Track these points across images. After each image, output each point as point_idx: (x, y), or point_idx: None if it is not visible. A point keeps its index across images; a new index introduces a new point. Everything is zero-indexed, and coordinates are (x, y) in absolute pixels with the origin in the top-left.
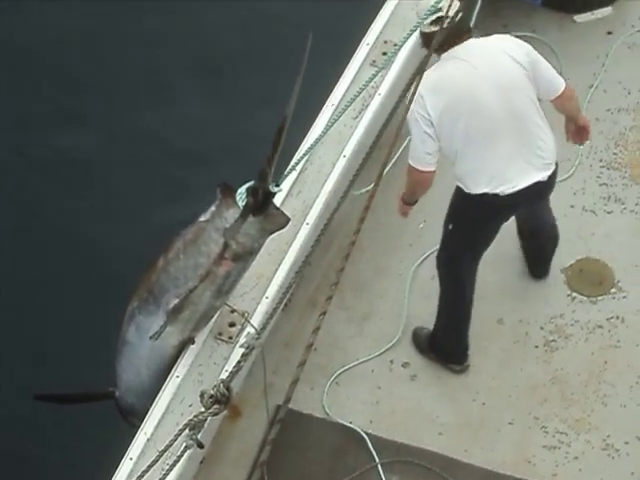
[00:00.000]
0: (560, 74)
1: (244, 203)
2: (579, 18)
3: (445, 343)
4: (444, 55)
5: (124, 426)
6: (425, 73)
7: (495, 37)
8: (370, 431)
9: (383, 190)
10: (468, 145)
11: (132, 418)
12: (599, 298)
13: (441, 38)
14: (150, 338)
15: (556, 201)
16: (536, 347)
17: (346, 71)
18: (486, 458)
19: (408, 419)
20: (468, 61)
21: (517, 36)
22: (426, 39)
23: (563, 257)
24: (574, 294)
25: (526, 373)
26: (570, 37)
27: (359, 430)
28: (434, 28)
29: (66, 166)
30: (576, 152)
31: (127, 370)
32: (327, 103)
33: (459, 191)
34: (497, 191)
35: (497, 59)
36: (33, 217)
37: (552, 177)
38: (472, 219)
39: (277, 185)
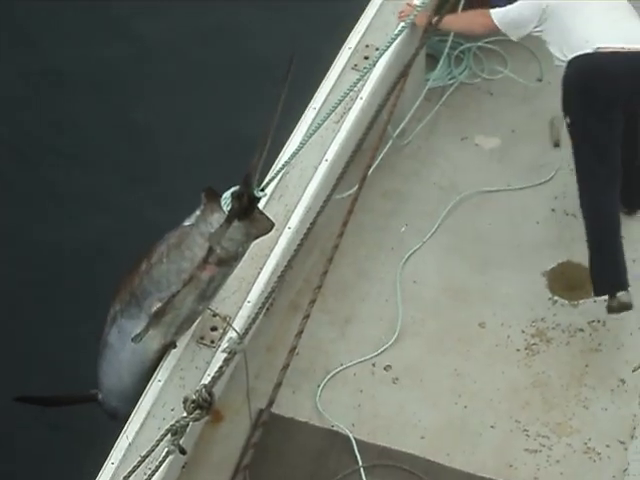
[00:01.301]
0: (541, 79)
1: (229, 208)
2: None
3: (604, 273)
4: None
5: (106, 430)
6: None
7: None
8: (352, 435)
9: (365, 194)
10: None
11: (116, 421)
12: (580, 302)
13: None
14: (132, 340)
15: (537, 205)
16: (517, 350)
17: (328, 75)
18: (468, 462)
19: (390, 423)
20: None
21: (498, 40)
22: None
23: (544, 261)
24: (555, 298)
25: (508, 377)
26: None
27: (346, 431)
28: None
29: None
30: (557, 156)
31: (109, 373)
32: (309, 107)
33: (567, 74)
34: None
35: None
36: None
37: None
38: (588, 109)
39: (262, 190)
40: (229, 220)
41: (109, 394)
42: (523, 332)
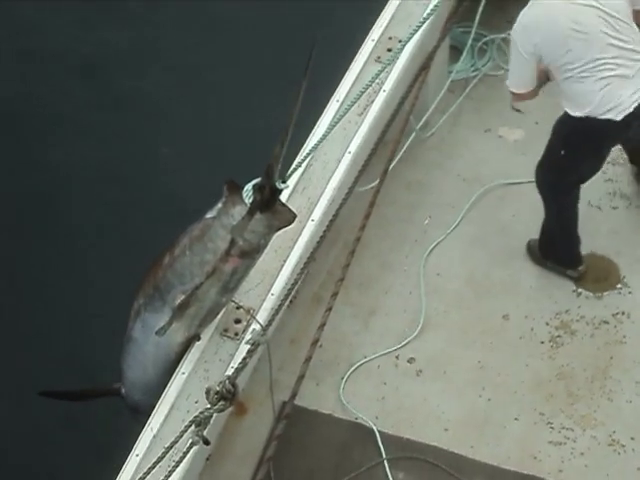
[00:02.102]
0: None
1: (251, 200)
2: None
3: (559, 251)
4: None
5: (130, 422)
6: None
7: None
8: (376, 427)
9: (388, 186)
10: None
11: (138, 415)
12: (605, 294)
13: None
14: (155, 334)
15: None
16: (542, 343)
17: (351, 67)
18: (492, 454)
19: (414, 415)
20: None
21: None
22: None
23: None
24: (580, 290)
25: (532, 369)
26: None
27: (370, 423)
28: None
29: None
30: None
31: (133, 367)
32: (332, 99)
33: (573, 118)
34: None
35: None
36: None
37: None
38: (587, 148)
39: (284, 182)
40: (251, 212)
41: (132, 387)
42: (547, 324)
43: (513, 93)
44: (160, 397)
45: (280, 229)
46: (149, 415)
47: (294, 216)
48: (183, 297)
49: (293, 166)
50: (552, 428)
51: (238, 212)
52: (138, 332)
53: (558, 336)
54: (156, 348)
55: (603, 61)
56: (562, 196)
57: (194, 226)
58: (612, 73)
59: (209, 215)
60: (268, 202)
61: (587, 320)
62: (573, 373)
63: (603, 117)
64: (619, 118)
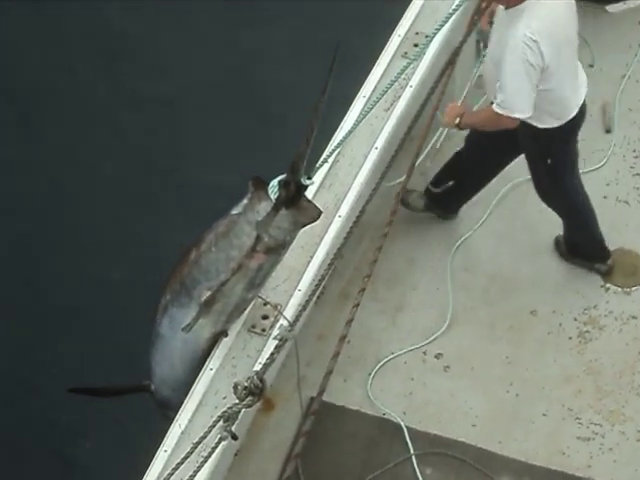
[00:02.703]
0: (592, 65)
1: (276, 196)
2: (611, 8)
3: (586, 247)
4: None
5: (158, 419)
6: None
7: None
8: (404, 423)
9: (415, 182)
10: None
11: (168, 411)
12: (633, 289)
13: None
14: (182, 330)
15: (589, 192)
16: (570, 338)
17: (378, 63)
18: (520, 449)
19: (441, 410)
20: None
21: None
22: None
23: None
24: (608, 285)
25: (560, 364)
26: (602, 27)
27: (398, 419)
28: None
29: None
30: (609, 142)
31: (161, 363)
32: (359, 95)
33: (549, 129)
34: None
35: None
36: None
37: None
38: (567, 145)
39: (309, 178)
40: (276, 208)
41: (161, 384)
42: (575, 320)
43: (496, 116)
44: (188, 393)
45: (305, 225)
46: (178, 411)
47: (319, 212)
48: (209, 293)
49: (319, 162)
50: (580, 424)
51: (264, 208)
52: (165, 328)
53: (586, 331)
54: (183, 344)
55: (575, 63)
56: (570, 197)
57: (220, 222)
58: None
59: (235, 211)
60: (293, 198)
61: (615, 315)
62: (601, 368)
63: (573, 115)
64: (580, 109)
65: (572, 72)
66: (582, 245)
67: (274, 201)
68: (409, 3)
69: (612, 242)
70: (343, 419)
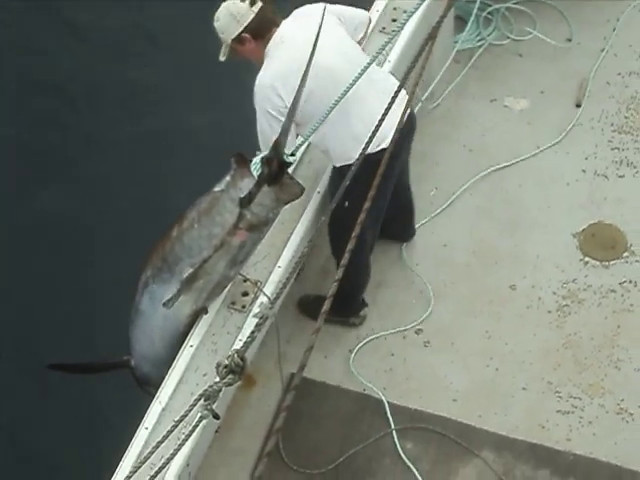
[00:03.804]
0: (570, 39)
1: (259, 173)
2: None
3: (349, 300)
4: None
5: (138, 395)
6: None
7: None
8: (384, 398)
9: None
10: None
11: (148, 387)
12: (612, 262)
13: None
14: (163, 305)
15: (568, 166)
16: (549, 312)
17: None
18: (500, 423)
19: (422, 385)
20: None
21: (527, 1)
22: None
23: (575, 222)
24: (587, 259)
25: (539, 338)
26: (580, 2)
27: (379, 394)
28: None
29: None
30: (577, 115)
31: (141, 339)
32: None
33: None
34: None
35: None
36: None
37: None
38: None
39: (292, 154)
40: (258, 185)
41: (142, 360)
42: (554, 294)
43: None
44: (168, 369)
45: (288, 202)
46: (159, 387)
47: (302, 189)
48: (191, 270)
49: (300, 139)
50: (560, 397)
51: (246, 185)
52: (146, 305)
53: (565, 305)
54: (164, 320)
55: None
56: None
57: (202, 199)
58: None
59: (217, 188)
60: (276, 175)
61: (594, 289)
62: (581, 342)
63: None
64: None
65: (347, 106)
66: (347, 299)
67: (256, 178)
68: None
69: (591, 215)
70: (324, 395)
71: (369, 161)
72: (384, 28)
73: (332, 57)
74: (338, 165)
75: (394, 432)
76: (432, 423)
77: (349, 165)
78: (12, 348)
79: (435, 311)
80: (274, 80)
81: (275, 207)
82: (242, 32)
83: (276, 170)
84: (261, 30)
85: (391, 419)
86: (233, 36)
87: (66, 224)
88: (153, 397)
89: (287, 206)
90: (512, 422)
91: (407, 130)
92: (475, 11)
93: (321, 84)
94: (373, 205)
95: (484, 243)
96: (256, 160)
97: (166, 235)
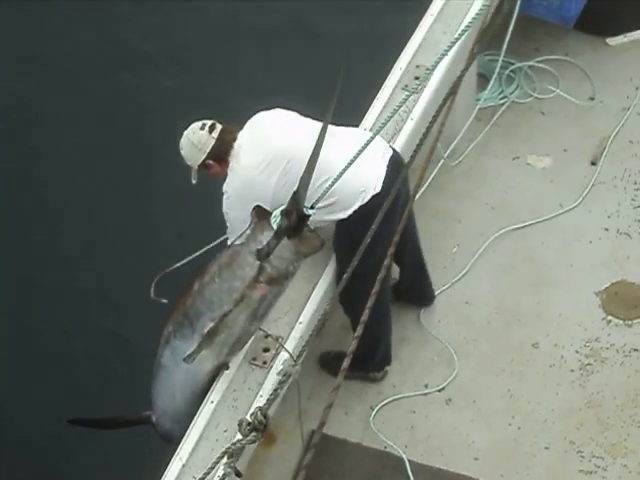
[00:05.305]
0: (593, 97)
1: (278, 226)
2: (612, 41)
3: (369, 354)
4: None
5: (158, 451)
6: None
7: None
8: (405, 456)
9: (416, 214)
10: None
11: (170, 442)
12: (635, 321)
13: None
14: (184, 360)
15: (590, 224)
16: (572, 371)
17: (379, 95)
18: None
19: (443, 444)
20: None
21: (550, 59)
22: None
23: (598, 280)
24: (609, 317)
25: (562, 397)
26: (603, 60)
27: (399, 452)
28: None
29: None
30: (593, 174)
31: (162, 394)
32: (360, 127)
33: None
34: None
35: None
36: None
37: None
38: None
39: (312, 207)
40: (277, 237)
41: (163, 415)
42: (577, 352)
43: None
44: (189, 425)
45: (308, 255)
46: (179, 443)
47: (322, 242)
48: (212, 324)
49: (321, 193)
50: (582, 457)
51: (266, 238)
52: (167, 359)
53: (588, 364)
54: (185, 375)
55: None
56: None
57: (223, 253)
58: None
59: (238, 242)
60: (296, 228)
61: (617, 348)
62: (603, 401)
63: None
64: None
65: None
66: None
67: (275, 230)
68: (409, 36)
69: (614, 274)
70: (344, 452)
71: (361, 214)
72: (406, 85)
73: (297, 140)
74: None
75: None
76: None
77: (344, 219)
78: (30, 403)
79: (457, 368)
80: (239, 190)
81: (295, 260)
82: (206, 159)
83: (295, 223)
84: (224, 154)
85: (412, 478)
86: (198, 163)
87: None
88: (173, 454)
89: (309, 260)
90: None
91: (393, 174)
92: (498, 69)
93: (294, 170)
94: (374, 253)
95: (506, 301)
96: (276, 213)
97: (187, 290)
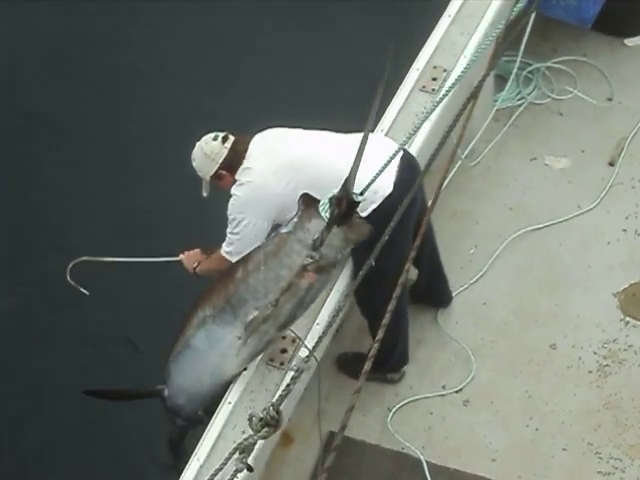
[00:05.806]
0: (611, 98)
1: (327, 214)
2: (630, 42)
3: (386, 356)
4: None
5: (176, 452)
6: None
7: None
8: (423, 457)
9: (434, 215)
10: None
11: (177, 418)
12: None
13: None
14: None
15: (608, 225)
16: (589, 372)
17: (396, 96)
18: None
19: (461, 445)
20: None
21: (567, 60)
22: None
23: (616, 281)
24: (627, 319)
25: (579, 398)
26: (621, 60)
27: (417, 453)
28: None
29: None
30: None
31: (186, 373)
32: (377, 129)
33: None
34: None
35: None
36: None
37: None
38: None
39: (361, 194)
40: (329, 226)
41: (180, 392)
42: (595, 353)
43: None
44: (204, 406)
45: (356, 242)
46: (188, 419)
47: (370, 229)
48: (256, 312)
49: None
50: (600, 458)
51: (314, 226)
52: (200, 341)
53: (606, 365)
54: (221, 360)
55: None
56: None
57: (269, 241)
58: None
59: (284, 230)
60: (346, 215)
61: (635, 349)
62: (621, 402)
63: None
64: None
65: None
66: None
67: (327, 218)
68: (427, 37)
69: (632, 275)
70: (362, 453)
71: (377, 215)
72: (424, 86)
73: (308, 150)
74: None
75: None
76: None
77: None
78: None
79: (474, 370)
80: (249, 193)
81: (344, 247)
82: (218, 169)
83: (346, 210)
84: (237, 164)
85: (429, 479)
86: (211, 174)
87: None
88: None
89: None
90: None
91: (404, 174)
92: (515, 70)
93: (303, 179)
94: (391, 254)
95: (524, 302)
96: (324, 201)
97: (229, 276)
